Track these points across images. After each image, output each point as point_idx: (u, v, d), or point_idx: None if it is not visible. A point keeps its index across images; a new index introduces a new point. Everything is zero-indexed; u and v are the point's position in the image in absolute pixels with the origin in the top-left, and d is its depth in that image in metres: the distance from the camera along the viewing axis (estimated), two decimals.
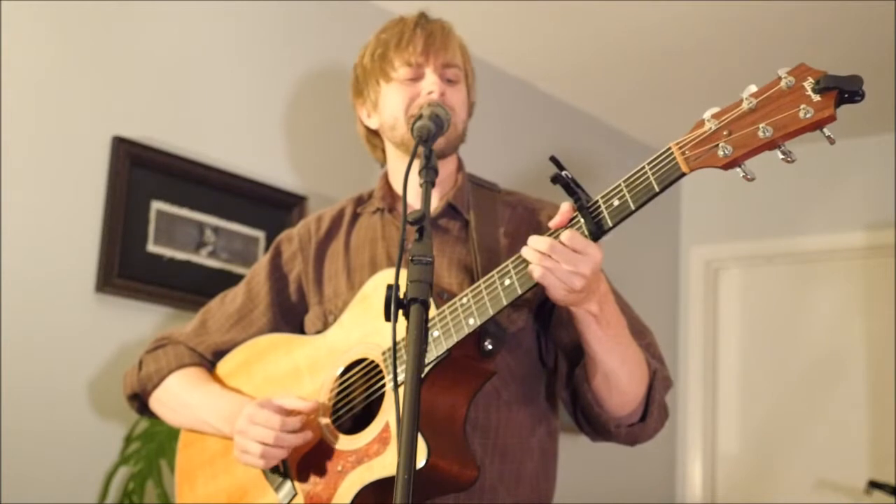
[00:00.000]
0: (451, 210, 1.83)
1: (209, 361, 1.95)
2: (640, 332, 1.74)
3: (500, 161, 3.98)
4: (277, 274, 1.95)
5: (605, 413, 1.69)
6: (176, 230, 3.04)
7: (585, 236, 1.46)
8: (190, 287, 3.04)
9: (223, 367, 1.93)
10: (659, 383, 1.72)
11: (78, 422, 2.78)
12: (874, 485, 3.95)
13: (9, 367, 2.64)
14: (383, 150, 1.90)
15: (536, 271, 1.46)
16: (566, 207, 1.49)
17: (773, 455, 4.72)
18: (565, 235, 1.45)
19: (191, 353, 1.95)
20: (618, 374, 1.64)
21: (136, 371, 1.96)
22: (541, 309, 1.78)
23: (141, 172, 2.96)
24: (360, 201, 1.96)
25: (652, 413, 1.71)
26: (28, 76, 2.75)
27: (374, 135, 1.90)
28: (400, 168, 1.81)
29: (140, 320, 2.93)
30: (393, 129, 1.81)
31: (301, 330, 1.92)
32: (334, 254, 1.91)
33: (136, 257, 2.94)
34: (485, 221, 1.81)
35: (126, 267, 2.90)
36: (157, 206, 3.01)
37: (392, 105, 1.80)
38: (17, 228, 2.69)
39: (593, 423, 1.73)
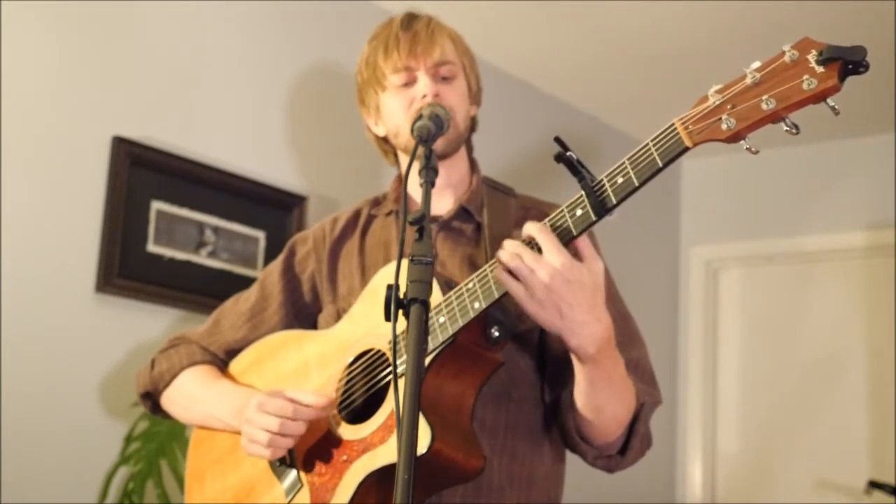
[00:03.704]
0: (464, 213, 1.83)
1: (221, 360, 1.95)
2: (631, 344, 1.72)
3: (499, 161, 3.98)
4: (290, 273, 1.95)
5: (584, 443, 1.69)
6: (176, 230, 3.05)
7: (591, 221, 1.44)
8: (190, 287, 3.04)
9: (235, 365, 1.93)
10: (645, 415, 1.70)
11: (78, 422, 2.78)
12: (874, 485, 3.94)
13: (9, 367, 2.64)
14: (395, 154, 1.90)
15: (498, 272, 1.46)
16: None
17: (773, 455, 4.72)
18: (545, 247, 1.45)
19: (203, 351, 1.94)
20: (602, 411, 1.63)
21: (148, 370, 1.96)
22: None
23: (141, 172, 2.96)
24: (376, 203, 1.96)
25: (633, 447, 1.70)
26: (28, 76, 2.75)
27: (384, 141, 1.90)
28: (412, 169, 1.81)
29: (140, 320, 2.93)
30: (396, 136, 1.82)
31: (314, 328, 1.91)
32: (349, 253, 1.90)
33: (136, 257, 2.94)
34: (498, 221, 1.81)
35: (126, 267, 2.90)
36: (157, 206, 3.01)
37: (391, 113, 1.80)
38: (17, 228, 2.69)
39: (571, 447, 1.74)
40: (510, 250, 1.46)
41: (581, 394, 1.61)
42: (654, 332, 5.10)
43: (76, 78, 2.87)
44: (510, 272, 1.46)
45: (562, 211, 1.47)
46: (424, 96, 1.75)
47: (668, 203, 5.01)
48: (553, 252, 1.43)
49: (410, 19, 1.82)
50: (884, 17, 3.52)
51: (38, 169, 2.77)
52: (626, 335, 1.70)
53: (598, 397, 1.60)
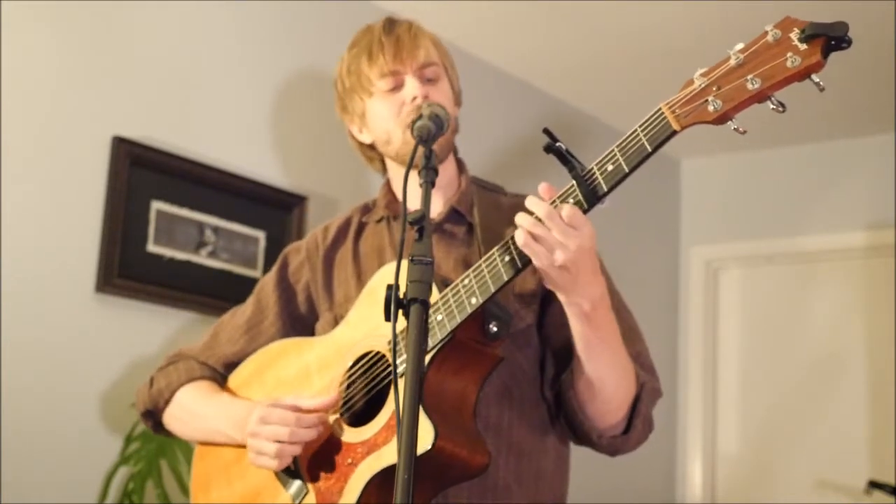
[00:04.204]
0: (455, 214, 1.82)
1: (220, 374, 1.94)
2: (631, 339, 1.72)
3: (499, 161, 3.98)
4: (285, 284, 1.94)
5: (587, 421, 1.69)
6: (176, 230, 3.04)
7: (583, 209, 1.46)
8: (190, 287, 3.04)
9: (236, 377, 1.92)
10: (646, 396, 1.71)
11: (78, 422, 2.78)
12: (874, 485, 3.95)
13: (9, 368, 2.64)
14: (381, 161, 1.89)
15: (520, 237, 1.46)
16: (543, 187, 1.50)
17: (773, 455, 4.72)
18: (565, 209, 1.45)
19: (201, 366, 1.93)
20: (603, 382, 1.63)
21: (147, 388, 1.95)
22: (540, 306, 1.78)
23: (141, 172, 2.96)
24: (366, 210, 1.95)
25: (636, 426, 1.71)
26: (28, 76, 2.75)
27: (368, 148, 1.89)
28: (401, 175, 1.79)
29: (140, 320, 2.93)
30: (387, 143, 1.80)
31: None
32: (343, 261, 1.90)
33: (136, 257, 2.94)
34: (490, 221, 1.80)
35: (126, 267, 2.90)
36: (157, 206, 3.01)
37: (380, 120, 1.79)
38: (17, 228, 2.69)
39: (575, 430, 1.73)
40: (534, 218, 1.46)
41: (580, 359, 1.61)
42: (654, 332, 5.06)
43: (76, 78, 2.86)
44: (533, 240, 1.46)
45: (553, 201, 1.48)
46: (415, 98, 1.74)
47: (668, 203, 5.01)
48: (584, 223, 1.45)
49: (391, 24, 1.82)
50: (884, 17, 3.52)
51: (38, 169, 2.77)
52: (625, 330, 1.70)
53: (596, 362, 1.61)
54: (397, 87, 1.77)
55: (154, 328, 2.94)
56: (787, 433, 4.71)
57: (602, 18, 3.75)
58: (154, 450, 2.78)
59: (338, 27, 3.52)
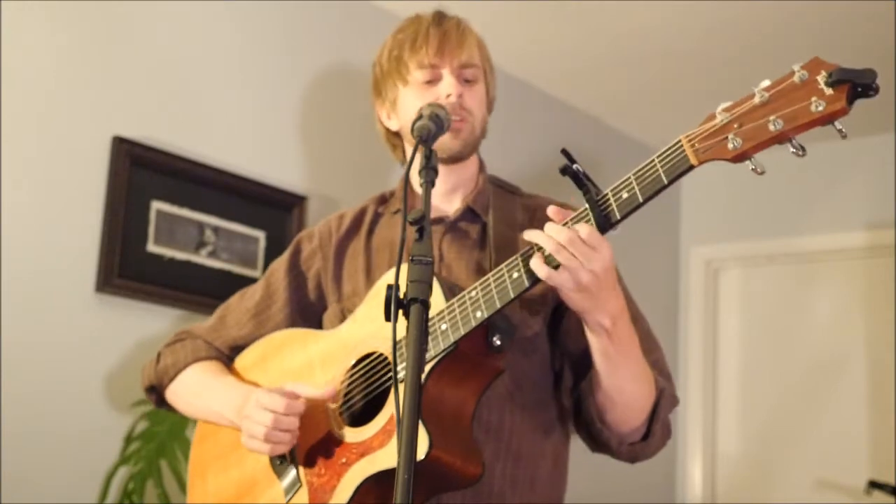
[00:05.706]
0: (470, 213, 1.82)
1: (226, 356, 1.95)
2: (648, 346, 1.72)
3: (499, 161, 3.97)
4: (296, 271, 1.94)
5: (606, 430, 1.69)
6: (176, 230, 3.05)
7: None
8: (190, 287, 3.04)
9: (240, 361, 1.93)
10: (665, 402, 1.71)
11: (78, 421, 2.78)
12: (874, 485, 3.94)
13: (9, 367, 2.64)
14: (403, 150, 1.89)
15: (542, 272, 1.45)
16: (553, 211, 1.50)
17: (773, 455, 4.72)
18: (583, 230, 1.44)
19: (208, 347, 1.94)
20: (623, 392, 1.63)
21: (153, 364, 1.96)
22: (553, 314, 1.78)
23: (141, 172, 2.96)
24: (383, 200, 1.95)
25: (655, 433, 1.71)
26: (28, 76, 2.75)
27: (394, 135, 1.88)
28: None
29: (140, 320, 2.93)
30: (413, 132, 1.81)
31: (319, 327, 1.91)
32: (354, 252, 1.89)
33: (136, 257, 2.94)
34: (503, 223, 1.80)
35: (126, 267, 2.90)
36: (157, 206, 3.01)
37: (411, 109, 1.77)
38: (17, 228, 2.69)
39: (595, 438, 1.73)
40: (556, 241, 1.45)
41: (600, 372, 1.61)
42: (654, 331, 5.08)
43: (76, 78, 2.87)
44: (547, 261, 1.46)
45: (566, 224, 1.48)
46: (449, 96, 1.74)
47: (668, 203, 5.01)
48: (602, 243, 1.45)
49: (441, 17, 1.81)
50: (884, 17, 3.52)
51: (38, 169, 2.77)
52: (643, 337, 1.70)
53: (617, 374, 1.60)
54: (434, 80, 1.77)
55: (154, 328, 2.94)
56: (787, 433, 4.71)
57: (602, 18, 3.75)
58: (154, 450, 2.78)
59: (339, 28, 3.54)
